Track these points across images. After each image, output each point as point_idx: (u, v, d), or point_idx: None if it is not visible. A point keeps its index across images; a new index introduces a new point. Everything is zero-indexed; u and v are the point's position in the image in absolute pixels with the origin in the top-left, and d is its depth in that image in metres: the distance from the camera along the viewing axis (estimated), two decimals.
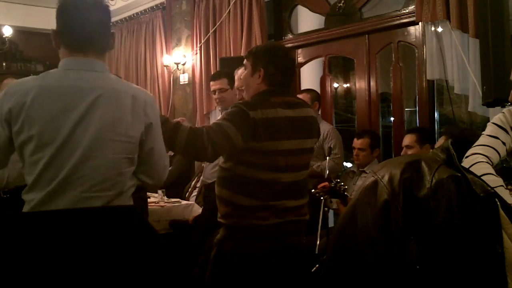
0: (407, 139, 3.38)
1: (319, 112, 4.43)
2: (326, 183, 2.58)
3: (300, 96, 4.20)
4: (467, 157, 1.93)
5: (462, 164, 1.86)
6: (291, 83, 2.37)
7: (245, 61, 2.35)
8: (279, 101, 2.21)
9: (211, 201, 2.63)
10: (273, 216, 2.17)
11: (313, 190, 2.57)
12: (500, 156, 1.95)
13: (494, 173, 1.84)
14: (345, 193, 2.66)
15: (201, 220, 3.92)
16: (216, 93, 3.60)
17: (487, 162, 1.88)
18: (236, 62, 3.73)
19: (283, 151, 2.16)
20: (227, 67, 4.28)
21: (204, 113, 5.64)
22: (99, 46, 1.77)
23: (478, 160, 1.88)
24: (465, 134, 2.51)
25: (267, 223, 2.15)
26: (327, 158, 3.59)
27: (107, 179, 1.69)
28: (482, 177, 1.72)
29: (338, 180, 2.65)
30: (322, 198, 2.65)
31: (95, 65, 1.75)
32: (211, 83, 3.70)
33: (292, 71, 2.35)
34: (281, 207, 2.18)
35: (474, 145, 1.97)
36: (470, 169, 1.82)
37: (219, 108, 3.89)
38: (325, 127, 4.23)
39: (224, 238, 2.24)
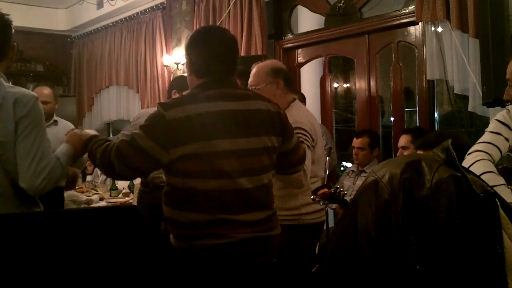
0: (402, 140, 3.37)
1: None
2: (326, 189, 2.55)
3: None
4: (469, 154, 1.94)
5: (463, 162, 1.88)
6: (233, 71, 1.96)
7: None
8: (215, 93, 1.84)
9: None
10: (231, 232, 1.79)
11: (312, 196, 2.54)
12: (501, 153, 1.97)
13: (495, 171, 1.85)
14: (345, 198, 2.64)
15: None
16: None
17: (488, 160, 1.90)
18: (249, 61, 3.68)
19: (225, 152, 1.78)
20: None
21: None
22: None
23: (479, 158, 1.89)
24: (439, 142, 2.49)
25: (226, 241, 1.78)
26: (327, 158, 3.58)
27: None
28: (483, 175, 1.73)
29: (338, 186, 2.63)
30: (321, 204, 2.62)
31: None
32: None
33: (232, 56, 1.93)
34: (239, 221, 1.80)
35: (477, 142, 1.99)
36: (471, 166, 1.84)
37: None
38: None
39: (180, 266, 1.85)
